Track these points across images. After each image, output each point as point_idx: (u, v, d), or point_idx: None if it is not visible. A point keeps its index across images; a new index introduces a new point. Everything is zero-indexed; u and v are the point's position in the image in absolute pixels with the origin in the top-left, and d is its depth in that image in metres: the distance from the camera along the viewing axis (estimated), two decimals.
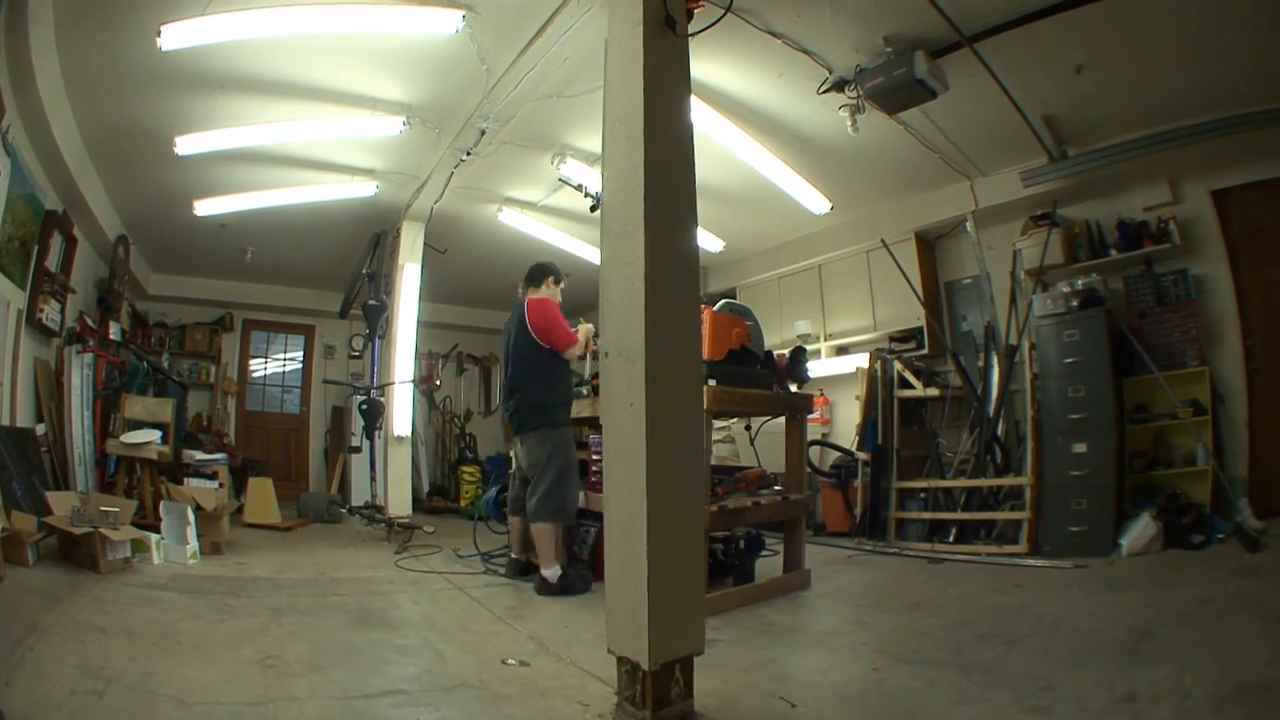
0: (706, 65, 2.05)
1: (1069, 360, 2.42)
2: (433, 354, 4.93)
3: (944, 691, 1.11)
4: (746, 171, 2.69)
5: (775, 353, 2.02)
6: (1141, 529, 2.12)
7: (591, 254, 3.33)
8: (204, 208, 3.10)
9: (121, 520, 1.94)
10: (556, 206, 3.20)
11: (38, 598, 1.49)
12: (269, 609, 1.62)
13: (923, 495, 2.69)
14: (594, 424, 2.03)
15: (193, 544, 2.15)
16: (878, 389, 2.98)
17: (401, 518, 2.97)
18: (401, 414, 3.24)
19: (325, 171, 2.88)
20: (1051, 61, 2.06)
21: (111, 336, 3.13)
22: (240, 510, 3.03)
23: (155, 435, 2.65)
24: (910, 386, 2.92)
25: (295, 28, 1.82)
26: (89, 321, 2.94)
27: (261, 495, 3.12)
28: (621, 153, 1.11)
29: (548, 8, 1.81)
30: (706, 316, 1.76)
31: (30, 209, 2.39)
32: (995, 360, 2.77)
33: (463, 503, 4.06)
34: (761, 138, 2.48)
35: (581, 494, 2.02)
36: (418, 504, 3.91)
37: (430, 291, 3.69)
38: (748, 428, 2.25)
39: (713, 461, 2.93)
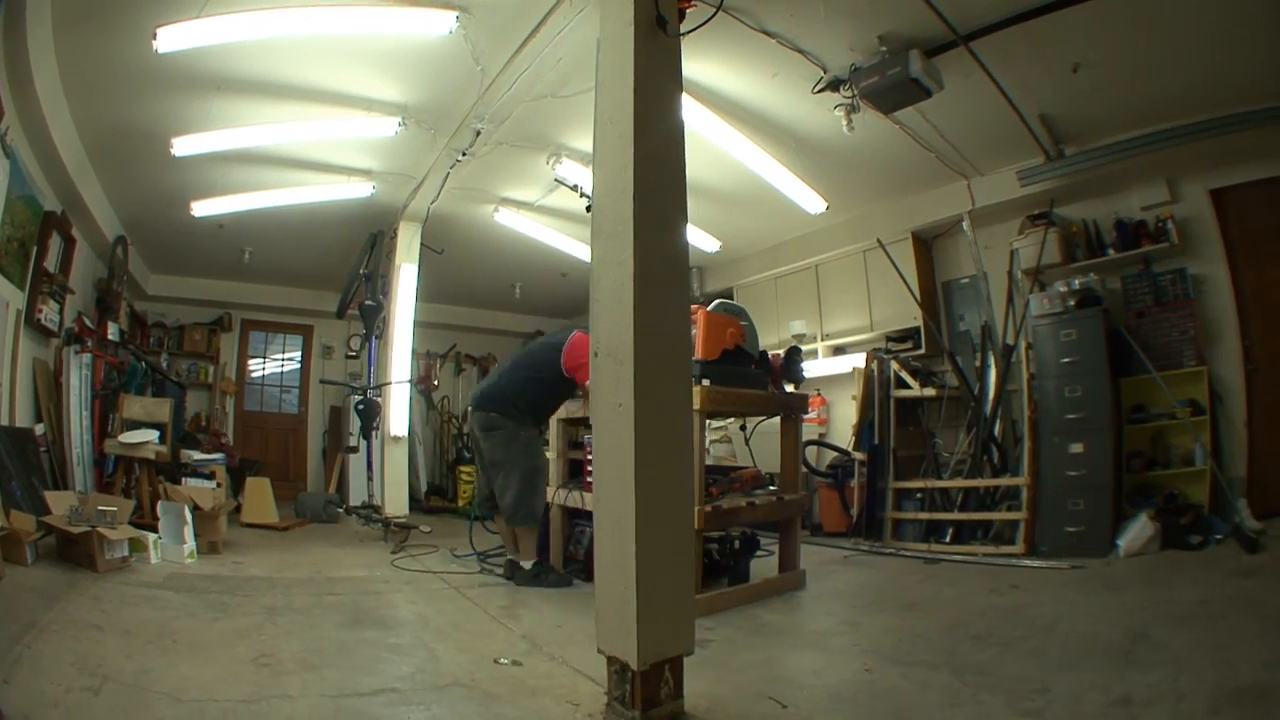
0: (701, 65, 2.05)
1: (1066, 360, 2.42)
2: (431, 354, 4.94)
3: (936, 693, 1.11)
4: (742, 171, 2.69)
5: (770, 353, 2.02)
6: (1139, 529, 2.11)
7: (588, 254, 3.36)
8: (201, 208, 3.11)
9: (119, 520, 1.95)
10: (553, 207, 3.21)
11: (36, 596, 1.50)
12: (264, 608, 1.62)
13: (919, 495, 2.68)
14: (588, 425, 2.04)
15: (190, 543, 2.16)
16: (874, 389, 2.97)
17: (398, 517, 2.97)
18: (398, 414, 3.24)
19: (322, 172, 2.89)
20: (1048, 60, 2.05)
21: (110, 337, 3.14)
22: (238, 510, 3.04)
23: (153, 435, 2.66)
24: (907, 386, 2.91)
25: (290, 29, 1.82)
26: (87, 322, 2.95)
27: (259, 495, 3.13)
28: (612, 152, 1.11)
29: (541, 8, 1.82)
30: (700, 316, 1.76)
31: (29, 210, 2.40)
32: (992, 360, 2.77)
33: (460, 503, 4.07)
34: (757, 137, 2.48)
35: (578, 494, 2.03)
36: (416, 504, 3.92)
37: (428, 291, 3.69)
38: (742, 428, 2.24)
39: (710, 461, 2.97)
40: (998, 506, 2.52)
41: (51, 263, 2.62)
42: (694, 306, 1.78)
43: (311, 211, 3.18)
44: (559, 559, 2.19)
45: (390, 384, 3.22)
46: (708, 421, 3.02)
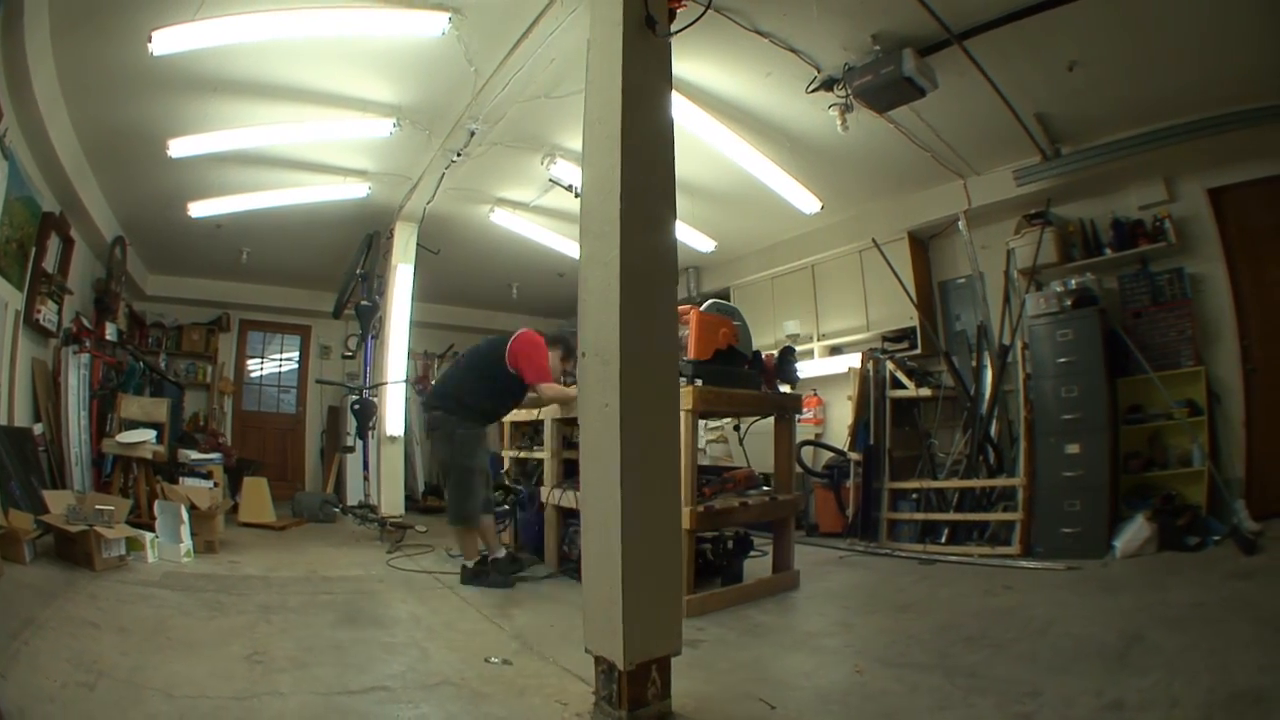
0: (694, 65, 2.05)
1: (1062, 360, 2.41)
2: (428, 354, 4.94)
3: (926, 696, 1.10)
4: (737, 171, 2.68)
5: (764, 353, 2.01)
6: (1136, 531, 2.10)
7: None
8: (199, 209, 3.13)
9: (116, 519, 1.96)
10: (548, 207, 3.21)
11: (33, 594, 1.51)
12: (259, 606, 1.63)
13: (915, 496, 2.68)
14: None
15: (187, 542, 2.17)
16: (870, 389, 2.97)
17: (394, 517, 2.98)
18: (394, 414, 3.25)
19: (318, 173, 2.90)
20: (1043, 58, 2.04)
21: (108, 337, 3.15)
22: (235, 509, 3.05)
23: (150, 435, 2.67)
24: (902, 387, 2.91)
25: (283, 31, 1.83)
26: (85, 322, 2.96)
27: (256, 495, 3.14)
28: (599, 152, 1.11)
29: (533, 9, 1.82)
30: (693, 316, 1.76)
31: (28, 211, 2.42)
32: (988, 360, 2.76)
33: None
34: (751, 137, 2.47)
35: (571, 494, 2.03)
36: (413, 504, 3.92)
37: (425, 292, 3.70)
38: (736, 428, 2.24)
39: (706, 461, 2.97)
40: (994, 507, 2.51)
41: (50, 263, 2.64)
42: (687, 306, 1.78)
43: (308, 212, 3.19)
44: (554, 558, 2.20)
45: (386, 384, 3.23)
46: (704, 422, 3.04)
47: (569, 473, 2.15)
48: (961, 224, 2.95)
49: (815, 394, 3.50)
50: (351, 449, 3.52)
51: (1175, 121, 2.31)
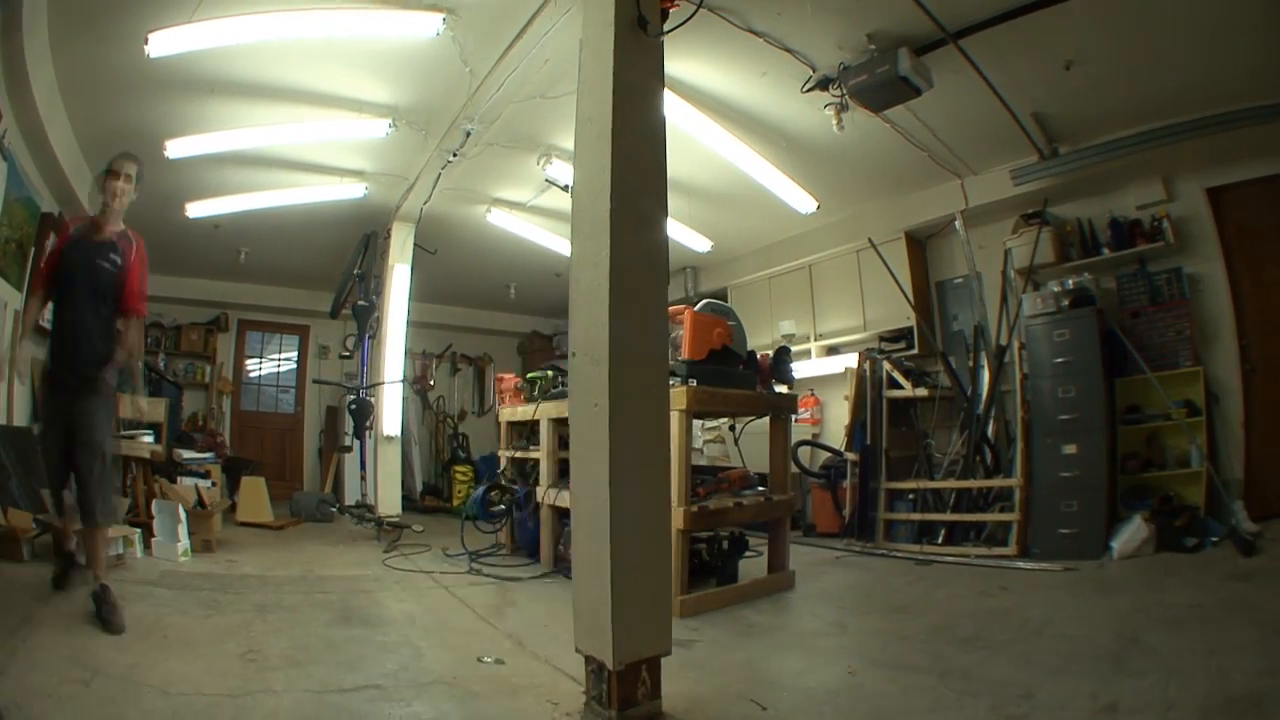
0: (689, 64, 2.05)
1: (1059, 360, 2.40)
2: (426, 354, 4.95)
3: (918, 697, 1.10)
4: (733, 171, 2.68)
5: (759, 353, 2.01)
6: (1133, 531, 2.09)
7: None
8: (196, 209, 3.13)
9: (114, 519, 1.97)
10: (545, 207, 3.21)
11: (32, 591, 1.53)
12: (255, 605, 1.64)
13: (912, 496, 2.67)
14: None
15: (184, 541, 2.17)
16: (867, 389, 2.96)
17: (391, 517, 2.99)
18: (391, 414, 3.25)
19: (315, 173, 2.91)
20: (1040, 57, 2.03)
21: None
22: (233, 508, 3.06)
23: (147, 435, 2.68)
24: (899, 387, 2.90)
25: (278, 33, 1.83)
26: None
27: (254, 494, 3.14)
28: (590, 152, 1.12)
29: (527, 10, 1.82)
30: (688, 316, 1.76)
31: (27, 211, 2.43)
32: (985, 360, 2.75)
33: (455, 502, 4.07)
34: (747, 137, 2.47)
35: (566, 494, 2.02)
36: (411, 503, 3.92)
37: (424, 292, 3.70)
38: (732, 428, 2.24)
39: (703, 461, 2.97)
40: (990, 508, 2.51)
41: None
42: (681, 306, 1.78)
43: (306, 212, 3.19)
44: (550, 558, 2.20)
45: (383, 384, 3.23)
46: (701, 422, 3.04)
47: (564, 472, 2.15)
48: (958, 224, 2.94)
49: (812, 394, 3.50)
50: (349, 449, 3.52)
51: (1174, 121, 2.30)
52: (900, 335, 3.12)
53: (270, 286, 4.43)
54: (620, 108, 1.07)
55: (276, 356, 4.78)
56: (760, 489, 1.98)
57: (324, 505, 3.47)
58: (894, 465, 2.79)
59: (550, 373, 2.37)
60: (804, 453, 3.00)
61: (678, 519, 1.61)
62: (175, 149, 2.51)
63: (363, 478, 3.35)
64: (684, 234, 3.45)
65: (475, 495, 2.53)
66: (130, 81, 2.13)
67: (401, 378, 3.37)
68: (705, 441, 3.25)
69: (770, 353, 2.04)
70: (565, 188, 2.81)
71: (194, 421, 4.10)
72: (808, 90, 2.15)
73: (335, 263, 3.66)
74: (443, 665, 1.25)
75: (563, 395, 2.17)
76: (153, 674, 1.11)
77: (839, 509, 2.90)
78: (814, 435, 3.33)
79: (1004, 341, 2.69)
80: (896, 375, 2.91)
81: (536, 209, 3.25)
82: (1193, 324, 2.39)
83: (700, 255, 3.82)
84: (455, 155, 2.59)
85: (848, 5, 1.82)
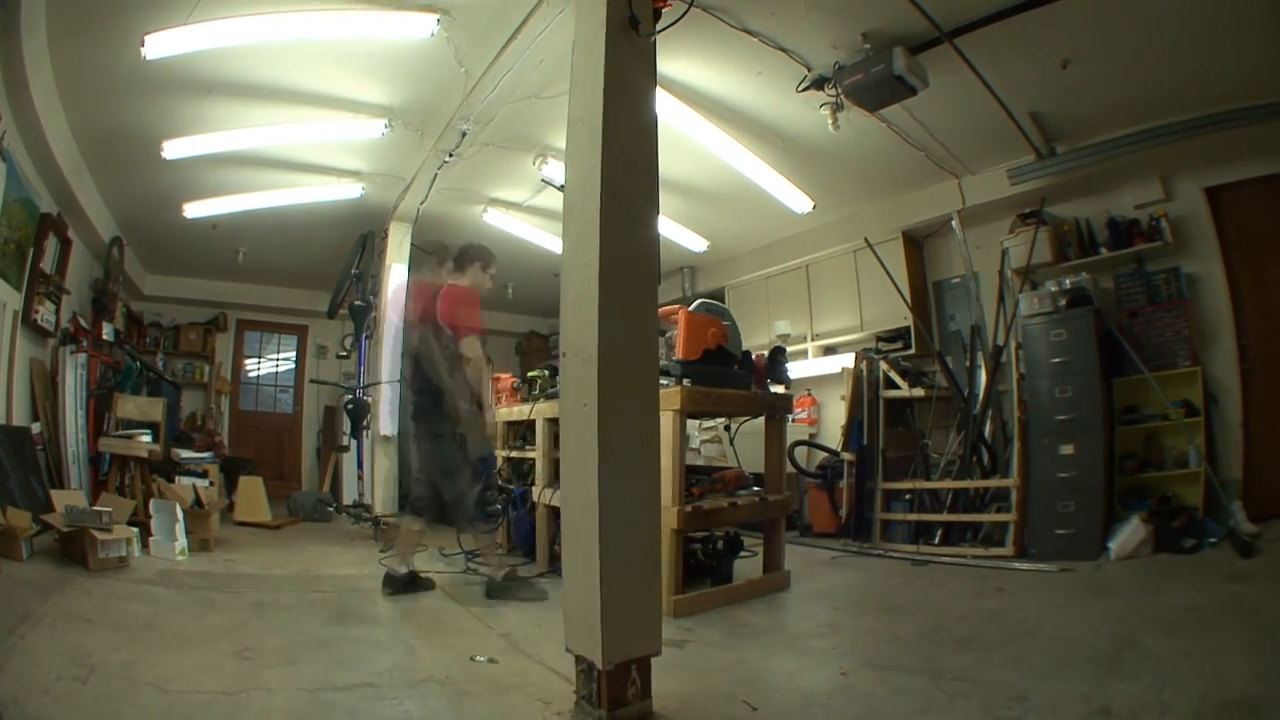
0: (683, 64, 2.05)
1: (1056, 360, 2.39)
2: None
3: (910, 699, 1.09)
4: (729, 171, 2.68)
5: (754, 353, 2.01)
6: (1131, 532, 2.08)
7: None
8: (193, 210, 3.14)
9: (115, 520, 1.97)
10: (541, 207, 3.21)
11: (30, 590, 1.53)
12: (251, 604, 1.64)
13: (908, 496, 2.67)
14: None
15: (182, 541, 2.18)
16: (863, 389, 2.96)
17: (388, 516, 2.99)
18: (388, 413, 3.26)
19: (312, 174, 2.91)
20: (1037, 56, 2.03)
21: (105, 337, 3.17)
22: (231, 508, 3.07)
23: (145, 434, 2.69)
24: (896, 387, 2.90)
25: (273, 34, 1.84)
26: (82, 322, 2.99)
27: (252, 493, 3.16)
28: (581, 152, 1.11)
29: (521, 10, 1.82)
30: (682, 316, 1.76)
31: (26, 212, 2.44)
32: (982, 360, 2.74)
33: None
34: (742, 137, 2.47)
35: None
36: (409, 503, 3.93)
37: None
38: (727, 428, 2.24)
39: (701, 462, 2.96)
40: (987, 508, 2.50)
41: (48, 264, 2.66)
42: (675, 306, 1.78)
43: (304, 212, 3.20)
44: (545, 558, 2.20)
45: (380, 384, 3.24)
46: (699, 422, 3.03)
47: (560, 472, 2.15)
48: (955, 223, 2.94)
49: (809, 394, 3.50)
50: (346, 448, 3.54)
51: (1172, 119, 2.29)
52: (897, 335, 3.11)
53: (269, 286, 4.45)
54: (611, 107, 1.07)
55: (275, 356, 4.79)
56: (755, 489, 1.97)
57: (321, 505, 3.48)
58: (891, 465, 2.78)
59: (548, 373, 2.38)
60: (801, 453, 3.00)
61: (672, 519, 1.61)
62: (173, 149, 2.52)
63: (360, 477, 3.36)
64: (680, 234, 3.45)
65: (472, 495, 2.53)
66: (128, 82, 2.14)
67: (399, 378, 3.38)
68: (703, 441, 3.24)
69: (765, 353, 2.04)
70: (561, 188, 2.80)
71: (192, 421, 4.11)
72: (803, 90, 2.15)
73: (334, 262, 3.67)
74: (436, 664, 1.25)
75: (557, 395, 2.17)
76: (149, 671, 1.11)
77: (835, 509, 2.90)
78: (811, 435, 3.33)
79: (1001, 341, 2.68)
80: (893, 375, 2.91)
81: (533, 209, 3.26)
82: (1191, 324, 2.38)
83: (697, 255, 3.83)
84: (451, 155, 2.59)
85: (842, 4, 1.82)
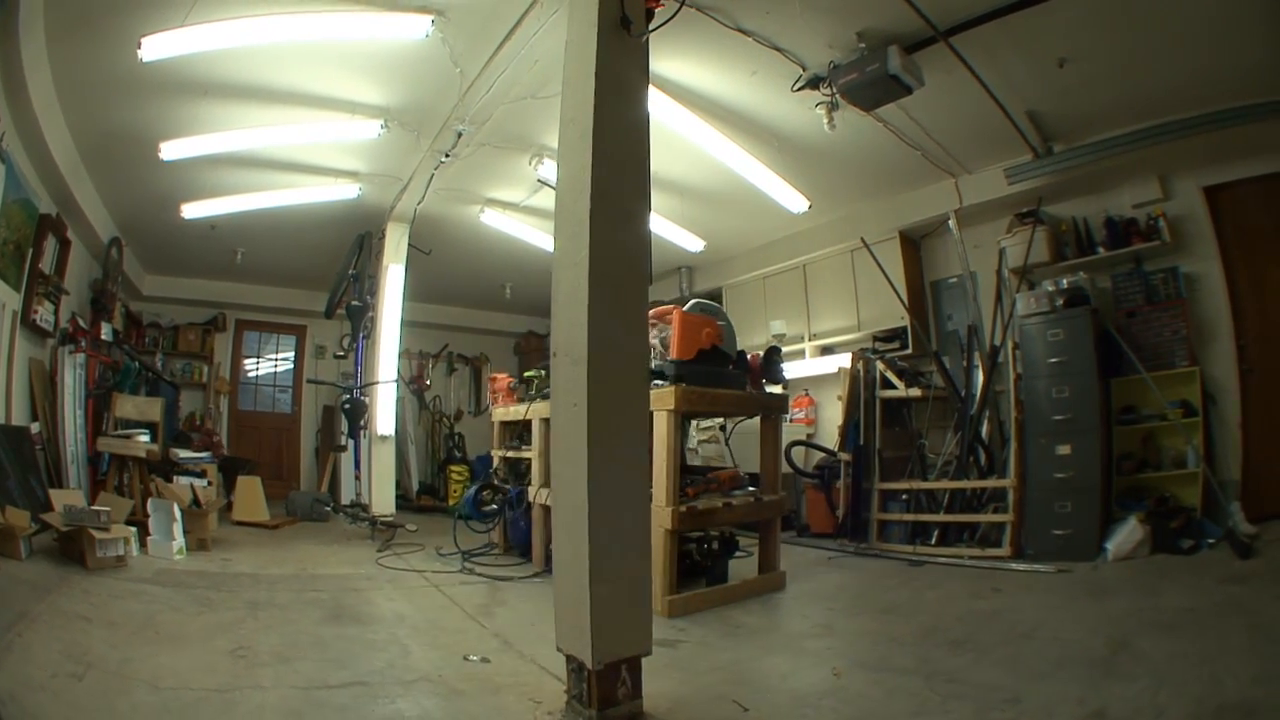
0: (678, 64, 2.05)
1: (1053, 360, 2.38)
2: (423, 354, 4.96)
3: (903, 700, 1.09)
4: (725, 171, 2.67)
5: (749, 353, 2.01)
6: (1128, 533, 2.08)
7: None
8: (191, 210, 3.15)
9: (113, 519, 1.98)
10: (538, 207, 3.21)
11: (28, 589, 1.54)
12: (247, 603, 1.65)
13: (905, 497, 2.66)
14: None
15: (180, 540, 2.19)
16: (860, 389, 2.95)
17: (385, 516, 3.00)
18: (385, 413, 3.27)
19: (309, 174, 2.92)
20: (1033, 55, 2.02)
21: (103, 337, 3.18)
22: (229, 507, 3.08)
23: (143, 434, 2.70)
24: (893, 387, 2.89)
25: (270, 36, 1.84)
26: (81, 322, 2.99)
27: (250, 493, 3.16)
28: (572, 152, 1.12)
29: (515, 11, 1.82)
30: (676, 316, 1.75)
31: (24, 213, 2.45)
32: (979, 360, 2.74)
33: (450, 502, 4.09)
34: (738, 136, 2.46)
35: None
36: (407, 503, 3.93)
37: (419, 292, 3.71)
38: (722, 428, 2.23)
39: (698, 462, 2.96)
40: (984, 508, 2.49)
41: (47, 264, 2.67)
42: (670, 306, 1.78)
43: (302, 213, 3.21)
44: (541, 557, 2.20)
45: (377, 383, 3.24)
46: (697, 422, 3.03)
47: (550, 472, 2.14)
48: (952, 223, 2.93)
49: (807, 394, 3.49)
50: (344, 448, 3.54)
51: (1170, 118, 2.28)
52: (894, 335, 3.11)
53: (267, 286, 4.46)
54: (602, 107, 1.07)
55: (274, 356, 4.80)
56: (751, 489, 1.97)
57: (319, 504, 3.49)
58: (887, 465, 2.78)
59: (544, 373, 2.38)
60: (798, 453, 2.99)
61: (666, 519, 1.61)
62: (170, 151, 2.53)
63: (358, 477, 3.36)
64: (677, 234, 3.44)
65: (468, 495, 2.54)
66: (125, 84, 2.15)
67: (395, 378, 3.39)
68: (700, 442, 3.24)
69: (761, 353, 2.04)
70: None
71: (191, 421, 4.12)
72: (798, 89, 2.15)
73: (332, 263, 3.67)
74: (429, 663, 1.25)
75: None
76: (143, 669, 1.12)
77: (832, 509, 2.90)
78: (808, 435, 3.32)
79: (998, 341, 2.68)
80: (890, 375, 2.90)
81: (530, 209, 3.26)
82: (1189, 324, 2.37)
83: (694, 255, 3.82)
84: (448, 156, 2.59)
85: (836, 3, 1.81)
